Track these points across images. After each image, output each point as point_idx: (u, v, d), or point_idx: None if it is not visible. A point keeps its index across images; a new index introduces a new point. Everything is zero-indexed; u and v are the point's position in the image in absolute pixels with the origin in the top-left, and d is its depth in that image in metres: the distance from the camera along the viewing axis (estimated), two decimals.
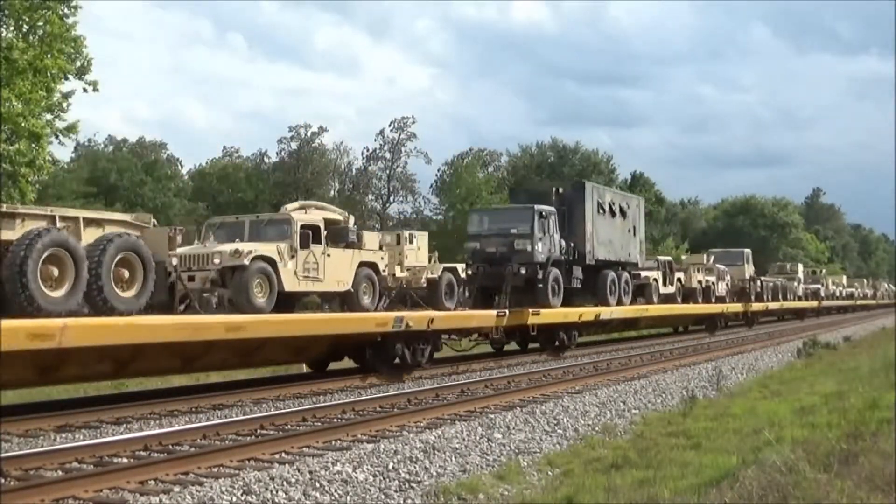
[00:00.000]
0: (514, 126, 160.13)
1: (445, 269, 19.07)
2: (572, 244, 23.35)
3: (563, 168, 66.20)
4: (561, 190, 24.39)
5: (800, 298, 50.04)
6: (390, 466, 8.61)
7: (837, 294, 60.70)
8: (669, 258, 34.28)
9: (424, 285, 18.45)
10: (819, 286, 54.60)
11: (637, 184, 72.81)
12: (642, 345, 28.04)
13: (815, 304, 52.76)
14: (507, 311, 20.02)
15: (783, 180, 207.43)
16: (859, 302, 66.70)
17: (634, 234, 27.36)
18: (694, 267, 34.96)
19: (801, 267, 54.39)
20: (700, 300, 34.02)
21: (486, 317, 19.83)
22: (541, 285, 21.43)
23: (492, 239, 21.78)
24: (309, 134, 58.14)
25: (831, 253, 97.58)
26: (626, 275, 26.28)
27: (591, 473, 8.40)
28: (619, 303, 25.50)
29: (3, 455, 8.63)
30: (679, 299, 32.01)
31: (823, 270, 64.44)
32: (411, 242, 18.44)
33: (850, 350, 24.67)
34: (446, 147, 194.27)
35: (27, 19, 24.91)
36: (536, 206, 21.93)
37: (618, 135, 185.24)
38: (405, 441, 9.78)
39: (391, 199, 57.95)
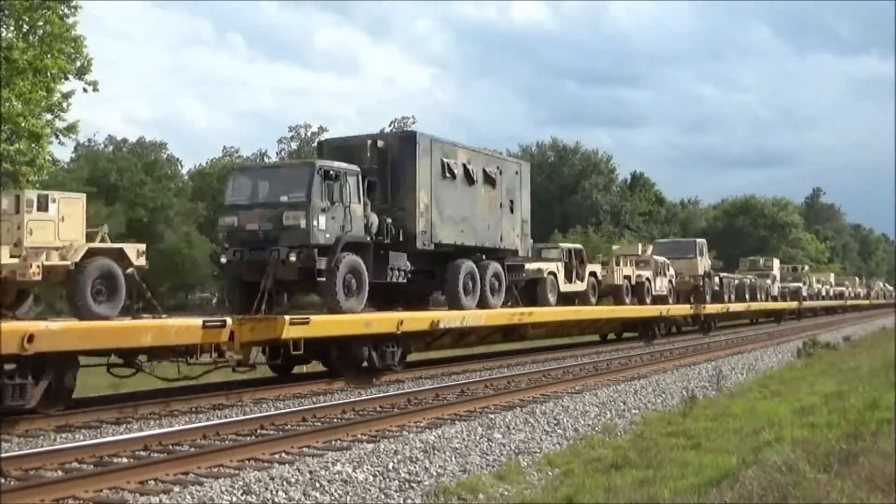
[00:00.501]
0: (514, 126, 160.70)
1: (94, 251, 11.93)
2: (390, 220, 16.53)
3: (564, 168, 66.34)
4: (381, 143, 16.99)
5: (775, 298, 44.26)
6: (390, 466, 8.62)
7: (824, 294, 55.81)
8: (578, 246, 27.01)
9: (37, 277, 11.35)
10: (800, 284, 49.39)
11: (637, 184, 72.99)
12: (638, 346, 27.97)
13: (794, 304, 47.42)
14: (226, 320, 13.00)
15: (783, 180, 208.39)
16: (850, 302, 62.27)
17: (512, 211, 20.08)
18: (622, 259, 28.44)
19: (776, 263, 48.50)
20: (629, 300, 27.39)
21: (175, 329, 12.37)
22: (323, 279, 14.72)
23: (254, 211, 15.03)
24: (309, 134, 58.28)
25: (831, 253, 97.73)
26: (495, 266, 19.26)
27: (591, 473, 8.40)
28: (484, 304, 18.67)
29: (3, 455, 8.63)
30: (594, 299, 25.55)
31: (806, 267, 58.40)
32: (44, 209, 11.62)
33: (850, 350, 24.67)
34: None
35: (27, 19, 24.95)
36: (319, 163, 15.28)
37: (618, 135, 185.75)
38: (405, 441, 9.78)
39: None
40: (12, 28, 24.97)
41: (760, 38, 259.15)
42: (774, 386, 16.09)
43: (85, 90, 26.21)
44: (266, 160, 59.18)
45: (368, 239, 15.89)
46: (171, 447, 9.57)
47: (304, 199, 14.67)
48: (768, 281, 43.51)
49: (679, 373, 18.28)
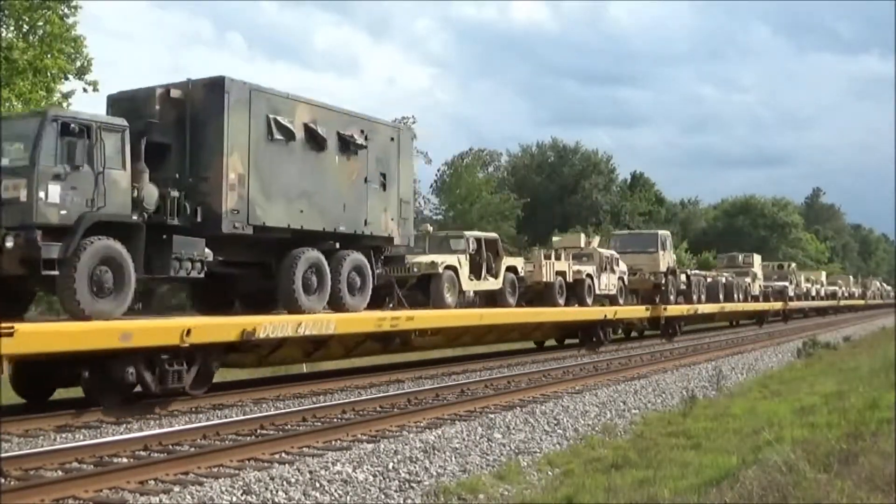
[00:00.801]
0: (514, 126, 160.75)
1: None
2: (178, 194, 12.46)
3: (564, 168, 66.33)
4: (176, 94, 12.93)
5: (755, 299, 40.29)
6: (390, 466, 8.62)
7: (813, 293, 52.12)
8: (492, 235, 21.93)
9: None
10: (786, 284, 45.61)
11: (637, 184, 72.89)
12: (641, 345, 27.96)
13: (778, 305, 43.63)
14: None
15: (783, 180, 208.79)
16: (843, 303, 58.97)
17: (385, 188, 15.80)
18: (559, 252, 24.05)
19: (757, 259, 43.77)
20: (562, 300, 22.91)
21: None
22: (55, 272, 10.85)
23: None
24: None
25: (831, 253, 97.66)
26: (356, 257, 15.06)
27: (591, 473, 8.41)
28: (340, 306, 14.76)
29: (3, 455, 8.63)
30: (513, 300, 21.00)
31: (793, 265, 52.92)
32: None
33: (850, 350, 24.69)
34: (446, 147, 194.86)
35: (27, 19, 24.97)
36: (53, 112, 11.55)
37: (618, 135, 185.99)
38: (405, 441, 9.79)
39: None
40: (12, 28, 24.98)
41: (760, 38, 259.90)
42: (774, 386, 16.10)
43: (85, 90, 26.20)
44: None
45: (137, 218, 11.84)
46: (171, 447, 9.57)
47: (28, 163, 10.81)
48: (747, 279, 39.44)
49: (679, 373, 18.29)
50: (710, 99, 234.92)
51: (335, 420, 11.54)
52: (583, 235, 27.71)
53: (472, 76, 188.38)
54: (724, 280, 36.25)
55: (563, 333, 25.80)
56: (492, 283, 20.39)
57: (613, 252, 27.04)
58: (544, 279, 22.53)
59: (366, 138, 15.38)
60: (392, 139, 16.24)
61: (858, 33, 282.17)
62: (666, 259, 29.43)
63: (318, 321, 13.94)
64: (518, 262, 21.92)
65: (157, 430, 10.50)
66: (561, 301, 22.97)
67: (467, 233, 20.81)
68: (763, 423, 10.54)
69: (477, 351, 22.64)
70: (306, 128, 14.13)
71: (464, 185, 53.22)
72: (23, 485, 7.57)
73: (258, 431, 10.66)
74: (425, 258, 18.52)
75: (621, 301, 26.49)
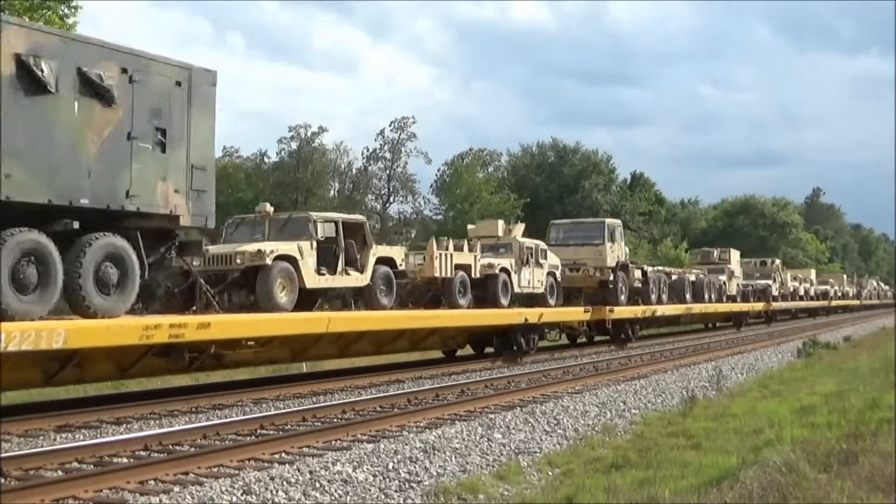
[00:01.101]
0: (514, 126, 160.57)
1: None
2: None
3: (564, 168, 66.38)
4: None
5: (732, 299, 36.12)
6: (390, 466, 8.62)
7: (802, 293, 48.56)
8: (357, 217, 17.91)
9: None
10: (769, 282, 41.37)
11: (637, 184, 72.94)
12: (642, 345, 27.98)
13: (759, 306, 39.78)
14: None
15: (783, 180, 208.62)
16: (835, 303, 55.73)
17: (163, 149, 11.42)
18: (473, 242, 20.35)
19: (735, 255, 38.77)
20: (464, 301, 18.79)
21: None
22: None
23: None
24: (309, 134, 58.16)
25: (831, 253, 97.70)
26: (110, 242, 10.78)
27: (591, 473, 8.41)
28: (84, 310, 10.54)
29: (3, 455, 8.62)
30: (387, 300, 16.58)
31: (777, 262, 47.42)
32: None
33: (850, 350, 24.70)
34: (446, 147, 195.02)
35: (27, 19, 24.97)
36: None
37: (618, 135, 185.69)
38: (405, 441, 9.79)
39: (391, 199, 58.02)
40: None
41: (760, 38, 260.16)
42: (774, 386, 16.11)
43: None
44: (266, 160, 59.14)
45: None
46: (171, 447, 9.57)
47: None
48: (722, 277, 35.16)
49: (679, 373, 18.30)
50: (710, 99, 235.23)
51: (335, 420, 11.54)
52: (500, 223, 22.95)
53: (471, 76, 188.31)
54: (692, 277, 31.81)
55: (475, 340, 21.43)
56: (354, 279, 16.06)
57: (539, 243, 22.56)
58: (438, 274, 18.30)
59: (130, 80, 11.06)
60: (179, 84, 11.79)
61: (858, 33, 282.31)
62: (615, 252, 24.93)
63: (31, 331, 9.55)
64: (395, 252, 17.29)
65: (157, 430, 10.50)
66: (463, 301, 18.84)
67: (315, 214, 16.17)
68: (763, 423, 10.55)
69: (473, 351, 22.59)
70: (19, 60, 9.83)
71: (464, 185, 53.26)
72: (23, 485, 7.57)
73: (258, 431, 10.66)
74: (250, 247, 14.52)
75: (552, 301, 22.26)
